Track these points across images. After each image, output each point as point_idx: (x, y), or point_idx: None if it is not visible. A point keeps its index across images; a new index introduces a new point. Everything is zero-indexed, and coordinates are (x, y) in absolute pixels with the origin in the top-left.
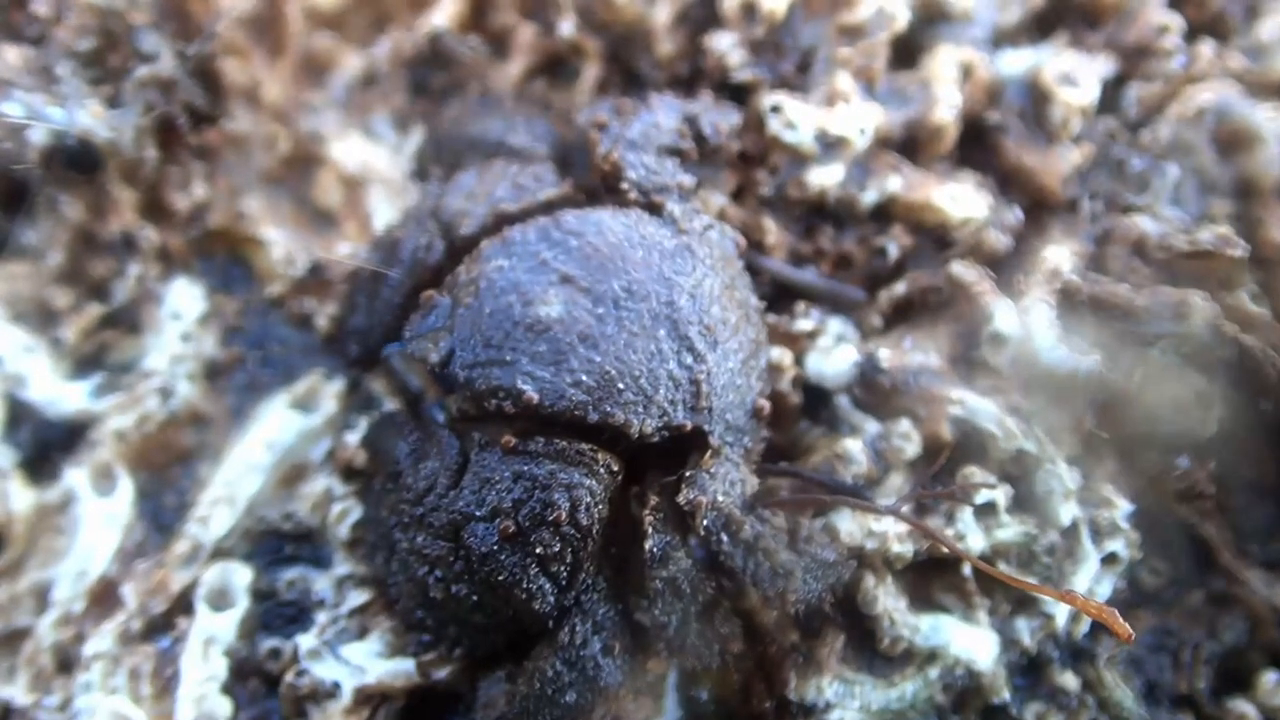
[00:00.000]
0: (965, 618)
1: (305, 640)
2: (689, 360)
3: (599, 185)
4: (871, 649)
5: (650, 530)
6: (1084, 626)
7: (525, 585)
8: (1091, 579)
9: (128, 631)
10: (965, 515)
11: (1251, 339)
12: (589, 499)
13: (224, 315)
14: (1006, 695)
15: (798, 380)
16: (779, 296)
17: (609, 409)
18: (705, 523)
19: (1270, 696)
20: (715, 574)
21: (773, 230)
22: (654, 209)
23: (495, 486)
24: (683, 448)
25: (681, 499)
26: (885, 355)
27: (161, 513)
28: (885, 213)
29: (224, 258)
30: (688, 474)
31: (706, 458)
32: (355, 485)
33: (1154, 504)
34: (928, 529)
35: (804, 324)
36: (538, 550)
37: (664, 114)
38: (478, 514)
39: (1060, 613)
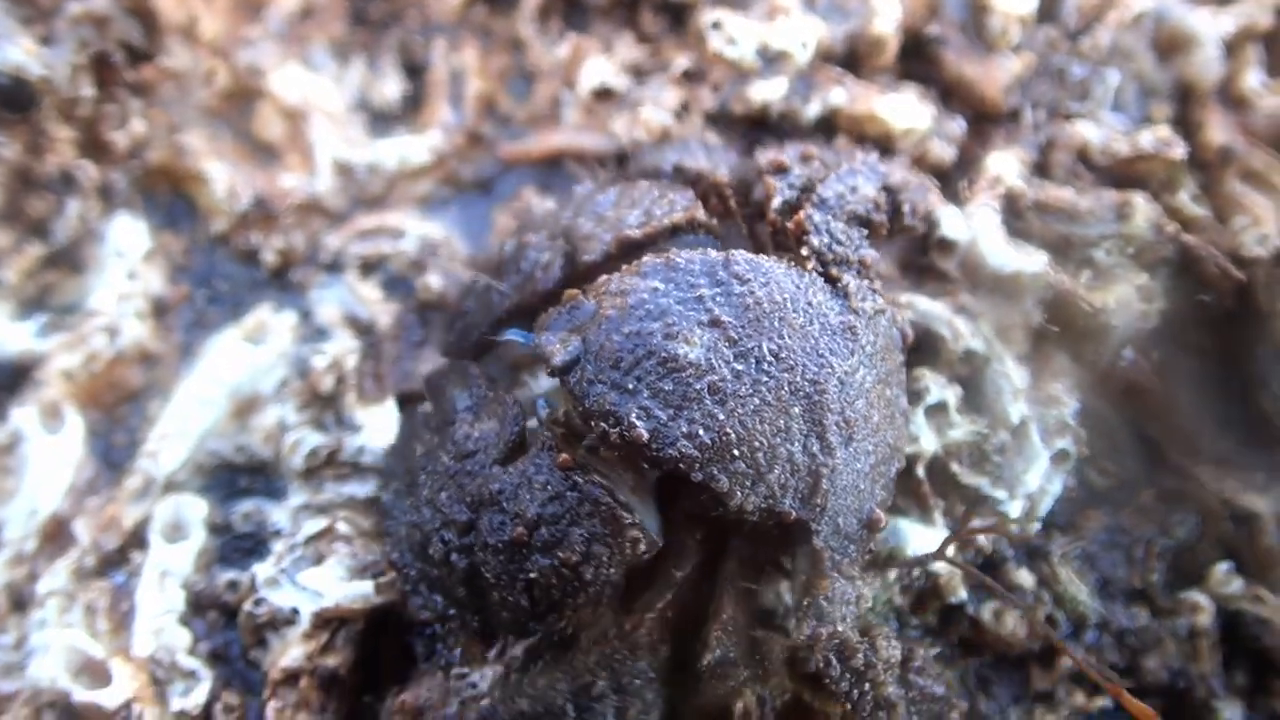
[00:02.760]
0: (921, 520)
1: (262, 569)
2: (815, 448)
3: (764, 231)
4: None
5: (715, 644)
6: (1036, 525)
7: (506, 594)
8: (1042, 477)
9: (81, 568)
10: (917, 417)
11: (1193, 237)
12: (604, 559)
13: (169, 252)
14: (963, 594)
15: None
16: None
17: (714, 472)
18: (824, 655)
19: (1222, 586)
20: (806, 686)
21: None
22: (829, 279)
23: (532, 490)
24: (783, 532)
25: (803, 633)
26: None
27: (112, 451)
28: (829, 125)
29: (167, 194)
30: (805, 602)
31: (823, 581)
32: (309, 414)
33: (1102, 402)
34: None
35: None
36: (532, 573)
37: (865, 178)
38: (504, 504)
39: (1014, 511)
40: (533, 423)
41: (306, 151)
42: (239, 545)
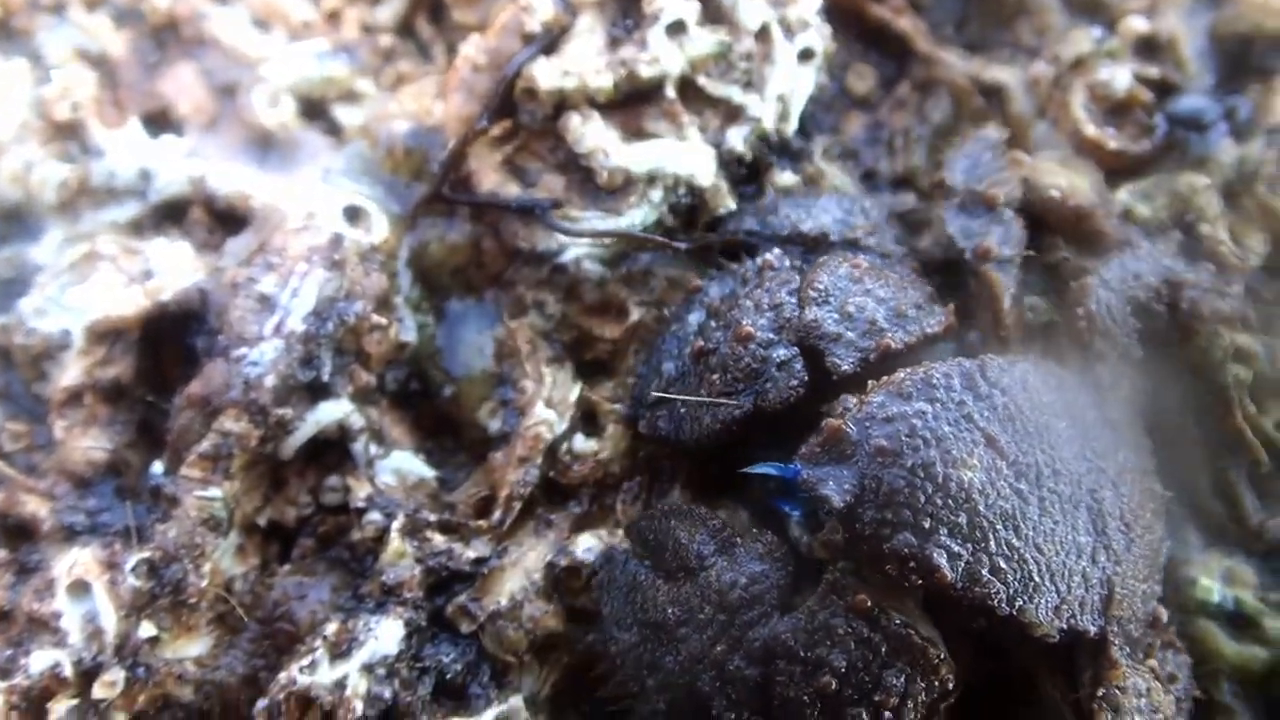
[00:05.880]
0: (678, 137)
1: (28, 302)
2: (1103, 559)
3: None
4: (594, 188)
5: None
6: (793, 125)
7: None
8: (790, 77)
9: None
10: (656, 34)
11: None
12: (920, 699)
13: None
14: (732, 204)
15: None
16: None
17: (1022, 604)
18: None
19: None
20: None
21: None
22: (1093, 353)
23: (832, 639)
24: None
25: None
26: None
27: None
28: None
29: None
30: (1101, 693)
31: (1117, 671)
32: (52, 149)
33: (848, 7)
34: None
35: None
36: None
37: (1147, 266)
38: (802, 654)
39: (768, 116)
40: None
41: None
42: (4, 292)
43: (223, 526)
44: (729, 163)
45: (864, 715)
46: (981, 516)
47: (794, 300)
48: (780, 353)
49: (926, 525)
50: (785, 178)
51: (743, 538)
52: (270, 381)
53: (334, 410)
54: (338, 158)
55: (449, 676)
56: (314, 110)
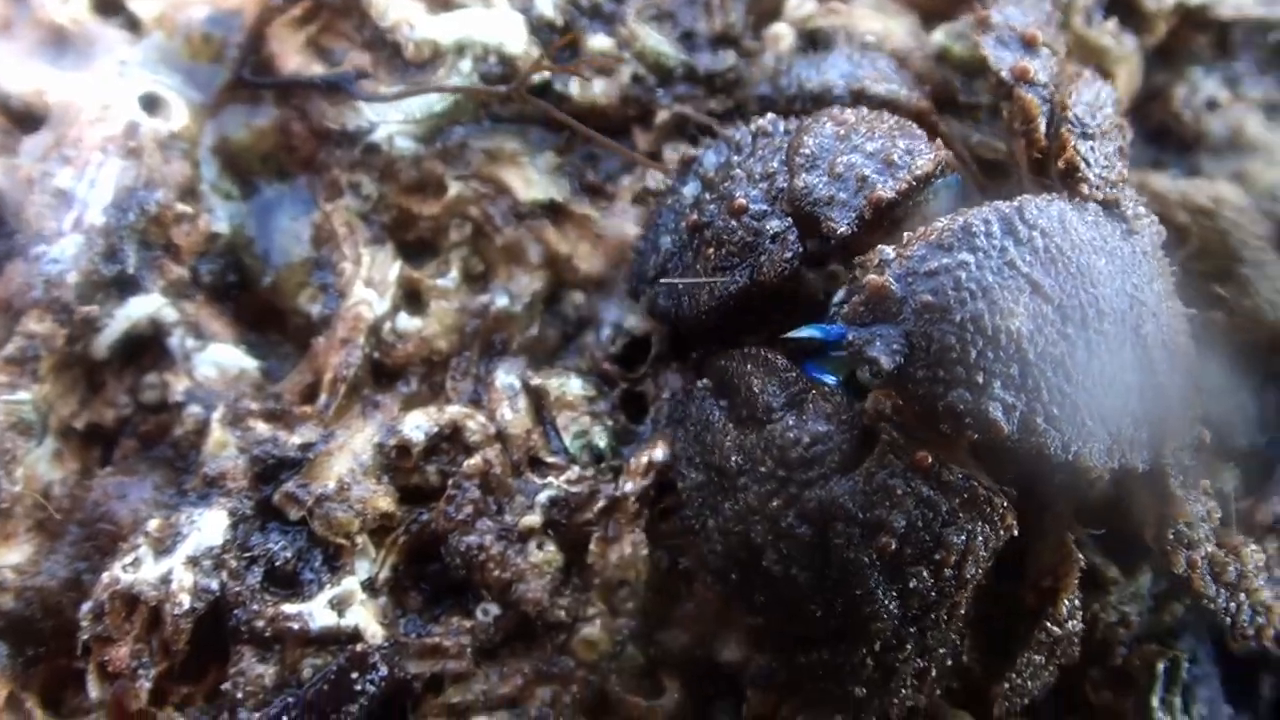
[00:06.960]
0: (485, 5)
1: None
2: (1151, 395)
3: (1021, 151)
4: (403, 63)
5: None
6: None
7: (876, 606)
8: None
9: None
10: None
11: None
12: (982, 553)
13: None
14: (548, 75)
15: None
16: None
17: (1078, 449)
18: (1200, 578)
19: (797, 10)
20: None
21: None
22: (1109, 205)
23: (891, 499)
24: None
25: (1178, 565)
26: None
27: None
28: None
29: None
30: (1172, 535)
31: (1183, 511)
32: None
33: None
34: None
35: None
36: (911, 582)
37: (1103, 91)
38: (860, 516)
39: None
40: None
41: None
42: None
43: (34, 430)
44: (540, 29)
45: (925, 574)
46: (1032, 365)
47: (786, 168)
48: (774, 224)
49: (980, 380)
50: (598, 41)
51: (815, 392)
52: (73, 278)
53: (145, 305)
54: (135, 50)
55: (279, 564)
56: (109, 5)
